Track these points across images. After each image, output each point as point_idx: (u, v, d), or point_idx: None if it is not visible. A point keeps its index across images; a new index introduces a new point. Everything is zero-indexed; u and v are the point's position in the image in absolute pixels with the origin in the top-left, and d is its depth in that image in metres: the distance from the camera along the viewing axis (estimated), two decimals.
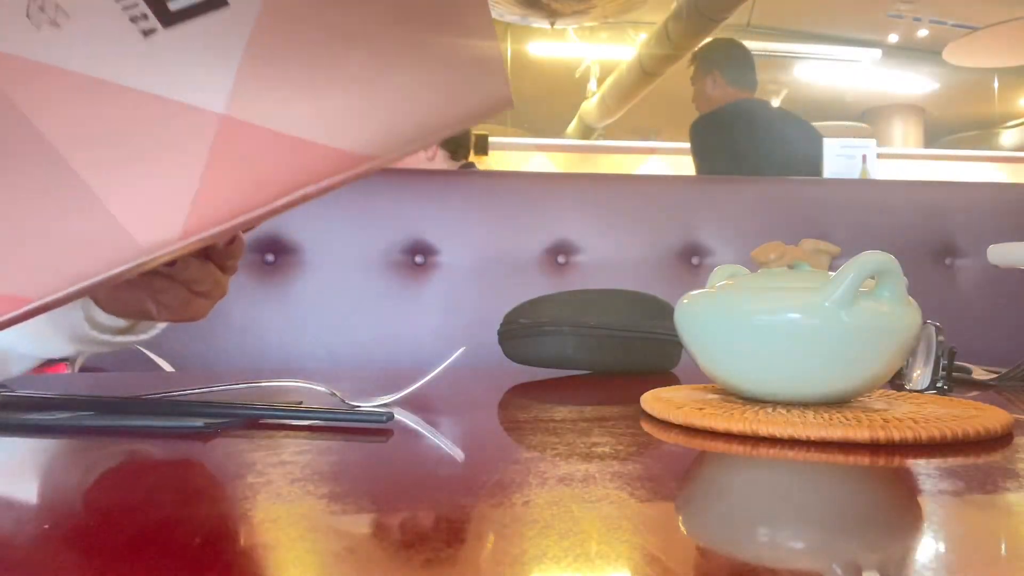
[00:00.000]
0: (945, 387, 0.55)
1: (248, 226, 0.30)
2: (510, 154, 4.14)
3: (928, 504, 0.28)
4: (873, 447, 0.37)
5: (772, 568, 0.21)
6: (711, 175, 2.06)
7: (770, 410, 0.42)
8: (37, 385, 0.61)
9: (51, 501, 0.30)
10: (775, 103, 4.15)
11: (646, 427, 0.43)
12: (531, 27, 4.28)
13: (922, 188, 1.46)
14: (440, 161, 1.92)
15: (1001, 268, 0.84)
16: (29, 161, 0.27)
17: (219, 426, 0.40)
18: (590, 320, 0.75)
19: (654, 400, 0.47)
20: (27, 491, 0.31)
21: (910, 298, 0.44)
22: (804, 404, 0.44)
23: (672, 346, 0.77)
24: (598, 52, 4.91)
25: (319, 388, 0.52)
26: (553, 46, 4.89)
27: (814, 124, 2.21)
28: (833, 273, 0.43)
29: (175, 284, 0.50)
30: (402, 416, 0.46)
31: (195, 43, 0.27)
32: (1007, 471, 0.33)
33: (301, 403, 0.49)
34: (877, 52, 5.07)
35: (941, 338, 0.56)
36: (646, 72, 4.20)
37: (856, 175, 2.09)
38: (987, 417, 0.40)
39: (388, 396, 0.50)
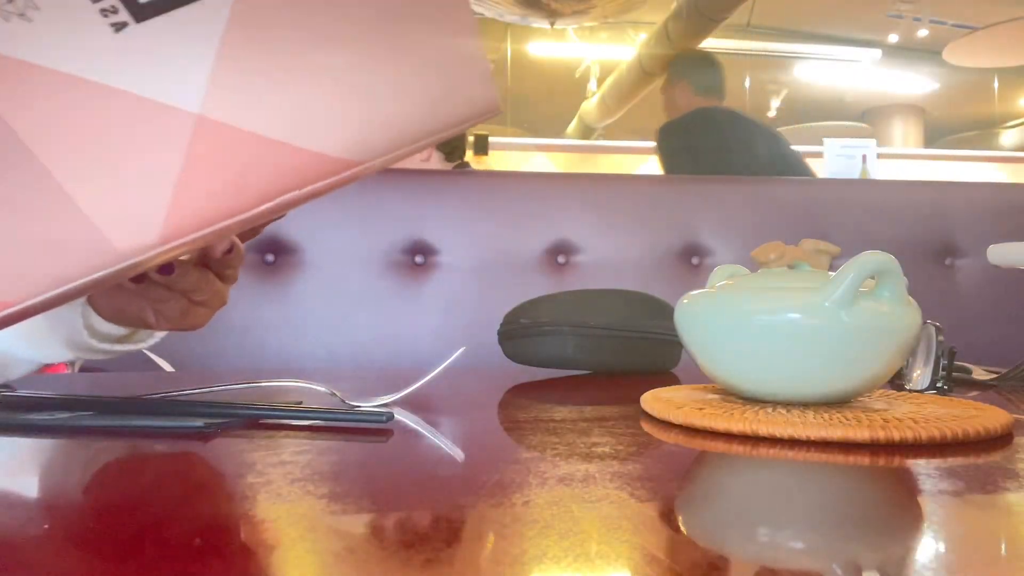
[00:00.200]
0: (945, 387, 0.55)
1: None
2: (510, 154, 4.14)
3: (928, 504, 0.28)
4: (873, 447, 0.37)
5: (772, 568, 0.21)
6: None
7: (770, 410, 0.42)
8: (37, 385, 0.61)
9: (51, 501, 0.30)
10: (775, 103, 4.15)
11: (646, 427, 0.43)
12: (531, 27, 4.28)
13: (922, 188, 1.46)
14: (435, 162, 1.92)
15: (1001, 268, 0.84)
16: (1, 160, 0.26)
17: (219, 426, 0.40)
18: (590, 320, 0.75)
19: (654, 400, 0.47)
20: (27, 491, 0.31)
21: (910, 298, 0.44)
22: (804, 404, 0.44)
23: (672, 346, 0.77)
24: (598, 52, 4.92)
25: (319, 388, 0.52)
26: (553, 46, 4.89)
27: (814, 124, 2.22)
28: (833, 273, 0.43)
29: (174, 293, 0.50)
30: (402, 416, 0.46)
31: (168, 38, 0.26)
32: (1007, 471, 0.33)
33: (301, 403, 0.49)
34: (877, 52, 5.07)
35: (941, 338, 0.56)
36: (646, 72, 4.20)
37: (856, 175, 2.09)
38: (987, 417, 0.40)
39: (388, 396, 0.50)
